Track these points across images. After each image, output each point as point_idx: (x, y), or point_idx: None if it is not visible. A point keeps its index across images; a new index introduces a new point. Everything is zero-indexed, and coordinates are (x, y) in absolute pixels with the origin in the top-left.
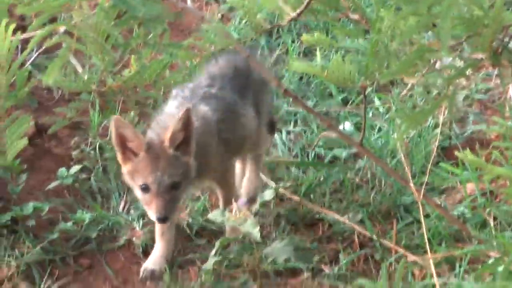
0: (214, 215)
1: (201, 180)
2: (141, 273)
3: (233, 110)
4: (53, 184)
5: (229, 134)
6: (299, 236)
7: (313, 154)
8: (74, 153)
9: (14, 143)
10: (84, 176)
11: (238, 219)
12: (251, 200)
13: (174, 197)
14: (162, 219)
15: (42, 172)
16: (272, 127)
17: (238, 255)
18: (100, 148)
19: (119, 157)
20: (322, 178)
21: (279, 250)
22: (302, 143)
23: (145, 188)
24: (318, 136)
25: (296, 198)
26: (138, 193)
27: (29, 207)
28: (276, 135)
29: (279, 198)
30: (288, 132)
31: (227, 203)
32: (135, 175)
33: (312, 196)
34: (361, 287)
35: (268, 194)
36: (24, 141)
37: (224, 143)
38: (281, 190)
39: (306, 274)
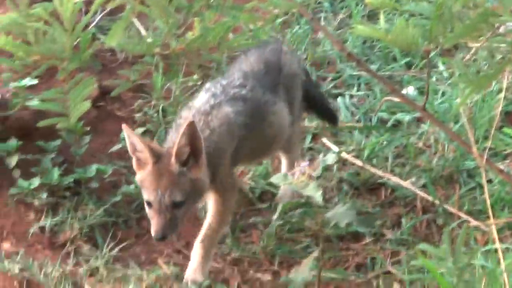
0: (277, 179)
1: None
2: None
3: (262, 112)
4: (116, 147)
5: (249, 142)
6: (361, 200)
7: (376, 119)
8: (137, 116)
9: (78, 106)
10: (147, 139)
11: (301, 182)
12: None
13: (175, 216)
14: (159, 239)
15: (105, 135)
16: (334, 118)
17: (300, 219)
18: (163, 110)
19: (134, 163)
20: (384, 143)
21: (341, 214)
22: (365, 107)
23: (148, 204)
24: (381, 100)
25: (358, 162)
26: (145, 205)
27: (92, 169)
28: (339, 99)
29: (342, 163)
30: (351, 96)
31: (219, 219)
32: (143, 187)
33: (374, 160)
34: (423, 252)
35: (331, 158)
36: (88, 104)
37: (243, 149)
38: (343, 155)
39: (368, 239)
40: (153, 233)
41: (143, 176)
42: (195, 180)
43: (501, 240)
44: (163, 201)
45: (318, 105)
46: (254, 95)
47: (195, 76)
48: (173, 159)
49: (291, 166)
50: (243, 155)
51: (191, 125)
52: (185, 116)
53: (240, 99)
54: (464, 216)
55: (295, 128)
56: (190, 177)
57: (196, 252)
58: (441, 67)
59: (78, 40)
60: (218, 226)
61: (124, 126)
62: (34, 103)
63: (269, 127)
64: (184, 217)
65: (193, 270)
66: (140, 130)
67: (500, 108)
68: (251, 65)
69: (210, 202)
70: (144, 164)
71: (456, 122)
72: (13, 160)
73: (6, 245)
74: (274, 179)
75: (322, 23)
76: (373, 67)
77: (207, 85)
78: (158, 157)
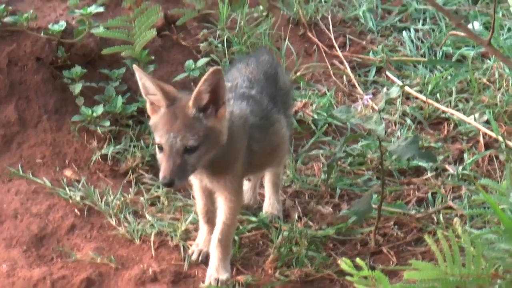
0: (340, 111)
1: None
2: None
3: (269, 117)
4: (180, 76)
5: (259, 145)
6: (424, 134)
7: (440, 53)
8: (202, 46)
9: (143, 34)
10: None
11: (363, 115)
12: (274, 218)
13: (186, 162)
14: (167, 184)
15: (169, 64)
16: None
17: (362, 152)
18: (228, 41)
19: (148, 107)
20: (449, 77)
21: (403, 148)
22: (430, 41)
23: (160, 147)
24: (446, 34)
25: (422, 96)
26: (156, 151)
27: None
28: (404, 33)
29: (405, 96)
30: (417, 30)
31: (231, 217)
32: (155, 131)
33: (438, 95)
34: (485, 187)
35: (394, 92)
36: (153, 32)
37: (252, 153)
38: (407, 88)
39: (429, 173)
40: (160, 178)
41: (156, 119)
42: (211, 128)
43: None
44: (175, 145)
45: None
46: (262, 98)
47: (261, 7)
48: (190, 102)
49: (276, 180)
50: (249, 161)
51: (216, 72)
52: None
53: (251, 98)
54: None
55: (288, 143)
56: (206, 124)
57: (215, 251)
58: (510, 2)
59: None
60: (232, 222)
61: (135, 67)
62: (99, 30)
63: (274, 134)
64: (195, 165)
65: (215, 268)
66: (205, 59)
67: None
68: (252, 72)
69: (221, 200)
70: (158, 107)
71: None
72: (77, 88)
73: (68, 173)
74: (337, 111)
75: None
76: (439, 1)
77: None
78: (172, 100)
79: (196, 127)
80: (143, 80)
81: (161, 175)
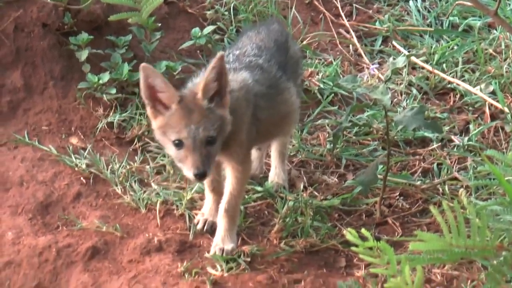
0: (346, 81)
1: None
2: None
3: (278, 85)
4: (187, 44)
5: (266, 113)
6: (430, 105)
7: (447, 23)
8: (209, 13)
9: (150, 1)
10: (217, 36)
11: (370, 85)
12: (280, 188)
13: (209, 153)
14: (200, 175)
15: (176, 31)
16: None
17: (368, 122)
18: (235, 9)
19: (149, 110)
20: (455, 48)
21: (409, 118)
22: (436, 11)
23: (178, 144)
24: (453, 4)
25: (428, 67)
26: (170, 149)
27: (162, 65)
28: (411, 2)
29: (411, 66)
30: (423, 0)
31: (238, 187)
32: (167, 130)
33: (444, 65)
34: (490, 158)
35: (400, 61)
36: (159, 0)
37: (260, 122)
38: (413, 58)
39: (435, 144)
40: (192, 170)
41: (165, 118)
42: (222, 117)
43: None
44: (198, 136)
45: None
46: (270, 67)
47: None
48: (200, 95)
49: (282, 150)
50: (256, 130)
51: (221, 59)
52: (198, 82)
53: (257, 67)
54: None
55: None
56: (218, 113)
57: (222, 221)
58: None
59: None
60: (239, 193)
61: (144, 65)
62: None
63: (283, 103)
64: (214, 156)
65: (221, 238)
66: (211, 27)
67: None
68: (262, 40)
69: (228, 170)
70: (164, 107)
71: None
72: (83, 54)
73: (74, 140)
74: (343, 81)
75: None
76: None
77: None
78: (182, 96)
79: (212, 117)
80: (151, 78)
81: (192, 167)
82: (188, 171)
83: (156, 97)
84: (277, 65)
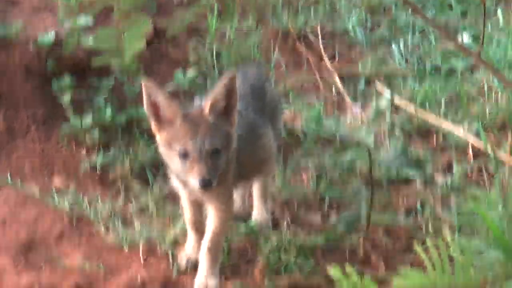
0: (329, 122)
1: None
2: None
3: (255, 131)
4: (169, 88)
5: (247, 157)
6: (413, 145)
7: (429, 66)
8: (191, 58)
9: (132, 45)
10: (200, 81)
11: (353, 127)
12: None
13: (215, 165)
14: (206, 183)
15: (158, 76)
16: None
17: (352, 162)
18: (217, 53)
19: (153, 126)
20: (438, 89)
21: (392, 158)
22: (419, 53)
23: (184, 155)
24: (435, 47)
25: (411, 108)
26: (175, 161)
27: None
28: (393, 46)
29: (395, 107)
30: (406, 43)
31: (221, 226)
32: (172, 143)
33: (427, 106)
34: (474, 197)
35: (383, 103)
36: (142, 43)
37: (241, 165)
38: (396, 100)
39: (418, 183)
40: (198, 177)
41: (170, 132)
42: (227, 134)
43: None
44: (203, 148)
45: None
46: (248, 113)
47: (250, 20)
48: (207, 110)
49: (264, 190)
50: (237, 172)
51: (232, 78)
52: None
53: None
54: None
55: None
56: (223, 129)
57: (204, 258)
58: (497, 16)
59: None
60: (222, 231)
61: (145, 83)
62: (89, 41)
63: (261, 149)
64: (219, 170)
65: (204, 276)
66: (194, 71)
67: None
68: (239, 86)
69: (211, 210)
70: (169, 122)
71: (510, 69)
72: (66, 98)
73: (57, 181)
74: (326, 122)
75: None
76: (429, 14)
77: (197, 100)
78: (186, 112)
79: (217, 131)
80: (154, 95)
81: (198, 176)
82: (194, 180)
83: (159, 113)
84: (254, 111)
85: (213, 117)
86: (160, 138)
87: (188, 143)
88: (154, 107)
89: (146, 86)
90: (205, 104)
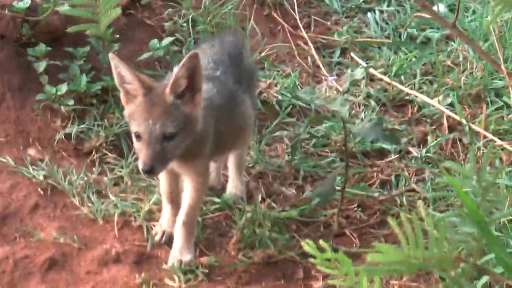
0: (304, 92)
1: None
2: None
3: (234, 98)
4: (145, 55)
5: (226, 125)
6: (388, 117)
7: (405, 35)
8: (167, 25)
9: (108, 12)
10: (175, 48)
11: (328, 96)
12: (237, 200)
13: (165, 149)
14: (147, 171)
15: (134, 43)
16: None
17: (326, 133)
18: (193, 20)
19: (122, 97)
20: (413, 59)
21: (367, 130)
22: (394, 23)
23: (138, 136)
24: (411, 16)
25: (386, 78)
26: (133, 140)
27: None
28: (369, 14)
29: (370, 78)
30: (381, 12)
31: (197, 199)
32: (131, 121)
33: (402, 77)
34: (449, 169)
35: (359, 73)
36: (118, 11)
37: (219, 135)
38: (371, 70)
39: (393, 156)
40: (140, 165)
41: (132, 108)
42: (188, 115)
43: None
44: (154, 132)
45: None
46: (227, 80)
47: None
48: (168, 89)
49: (239, 161)
50: (215, 143)
51: (194, 57)
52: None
53: (215, 79)
54: (490, 136)
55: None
56: (184, 111)
57: (180, 232)
58: None
59: None
60: (197, 204)
61: (111, 55)
62: (64, 8)
63: (239, 116)
64: (173, 152)
65: (179, 250)
66: (169, 39)
67: None
68: (216, 54)
69: (187, 182)
70: (133, 97)
71: (485, 41)
72: (41, 66)
73: (32, 151)
74: (301, 92)
75: None
76: None
77: (175, 69)
78: (148, 89)
79: (175, 114)
80: (119, 68)
81: (140, 162)
82: (139, 165)
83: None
84: (232, 78)
85: (174, 97)
86: (126, 111)
87: (141, 125)
88: (122, 80)
89: (112, 58)
90: (166, 84)
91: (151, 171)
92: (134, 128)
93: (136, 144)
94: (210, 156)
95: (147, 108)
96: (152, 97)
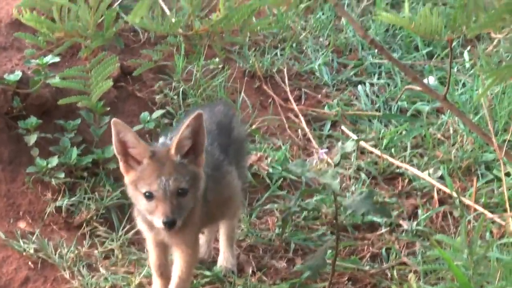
0: (295, 165)
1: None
2: None
3: (221, 168)
4: (136, 128)
5: (213, 195)
6: (378, 189)
7: (396, 108)
8: (158, 98)
9: (99, 84)
10: (166, 121)
11: (319, 169)
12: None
13: (180, 204)
14: (170, 223)
15: (125, 115)
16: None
17: (317, 206)
18: (184, 93)
19: (122, 166)
20: (403, 132)
21: (358, 203)
22: (385, 96)
23: (149, 196)
24: (401, 89)
25: (377, 151)
26: (142, 202)
27: (111, 150)
28: (360, 87)
29: (360, 151)
30: (372, 84)
31: (187, 271)
32: (138, 183)
33: (393, 150)
34: (439, 243)
35: (349, 146)
36: (109, 83)
37: (206, 204)
38: (362, 143)
39: (384, 229)
40: (161, 217)
41: (137, 173)
42: (194, 173)
43: None
44: (168, 188)
45: None
46: (213, 150)
47: (217, 59)
48: (173, 150)
49: (230, 234)
50: (203, 211)
51: (198, 118)
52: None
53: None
54: (480, 209)
55: (240, 195)
56: (190, 169)
57: None
58: (463, 58)
59: (102, 18)
60: (187, 277)
61: (115, 120)
62: (55, 80)
63: (226, 187)
64: (186, 209)
65: None
66: (160, 111)
67: None
68: (205, 122)
69: (177, 254)
70: (136, 162)
71: (476, 114)
72: (32, 138)
73: (22, 225)
74: (292, 165)
75: (346, 9)
76: (395, 55)
77: (161, 139)
78: (153, 151)
79: (184, 171)
80: (122, 134)
81: (160, 217)
82: (158, 220)
83: (128, 153)
84: (219, 148)
85: (180, 156)
86: (127, 179)
87: (153, 183)
88: (123, 146)
89: (115, 124)
90: (171, 143)
91: (173, 223)
92: (144, 188)
93: (148, 204)
94: (199, 226)
95: (157, 168)
96: (158, 158)
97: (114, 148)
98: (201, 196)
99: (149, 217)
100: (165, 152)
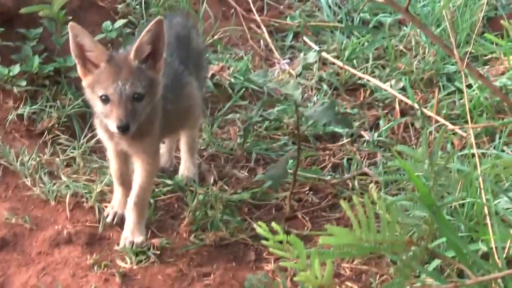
0: (257, 75)
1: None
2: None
3: (180, 79)
4: (97, 37)
5: (173, 105)
6: (340, 100)
7: (358, 19)
8: (120, 7)
9: None
10: (128, 30)
11: (280, 80)
12: (190, 182)
13: (136, 109)
14: (123, 127)
15: (86, 25)
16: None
17: (279, 117)
18: (146, 2)
19: (79, 69)
20: (365, 44)
21: (319, 113)
22: (347, 7)
23: (105, 99)
24: (364, 0)
25: (339, 62)
26: (98, 105)
27: (72, 59)
28: None
29: (322, 62)
30: None
31: (148, 180)
32: (95, 87)
33: (355, 61)
34: (401, 153)
35: (311, 57)
36: None
37: (166, 115)
38: (324, 54)
39: (345, 139)
40: (115, 123)
41: (94, 76)
42: (152, 79)
43: (478, 145)
44: (124, 92)
45: None
46: (173, 62)
47: None
48: (132, 54)
49: (191, 143)
50: (163, 122)
51: (159, 23)
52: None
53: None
54: (442, 120)
55: (201, 106)
56: (148, 75)
57: (131, 214)
58: None
59: None
60: (148, 186)
61: (72, 24)
62: None
63: (186, 97)
64: (141, 114)
65: (130, 231)
66: (122, 21)
67: (482, 13)
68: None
69: (137, 163)
70: (93, 66)
71: (438, 26)
72: None
73: None
74: (254, 75)
75: None
76: None
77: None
78: (110, 55)
79: (141, 76)
80: (79, 38)
81: (114, 120)
82: (112, 124)
83: (85, 56)
84: (179, 59)
85: (138, 62)
86: (85, 82)
87: (109, 87)
88: (81, 49)
89: (72, 27)
90: (131, 48)
91: (127, 127)
92: (100, 92)
93: (103, 108)
94: (159, 136)
95: (114, 72)
96: (116, 62)
97: (71, 51)
98: (160, 106)
99: (104, 121)
100: (123, 56)
